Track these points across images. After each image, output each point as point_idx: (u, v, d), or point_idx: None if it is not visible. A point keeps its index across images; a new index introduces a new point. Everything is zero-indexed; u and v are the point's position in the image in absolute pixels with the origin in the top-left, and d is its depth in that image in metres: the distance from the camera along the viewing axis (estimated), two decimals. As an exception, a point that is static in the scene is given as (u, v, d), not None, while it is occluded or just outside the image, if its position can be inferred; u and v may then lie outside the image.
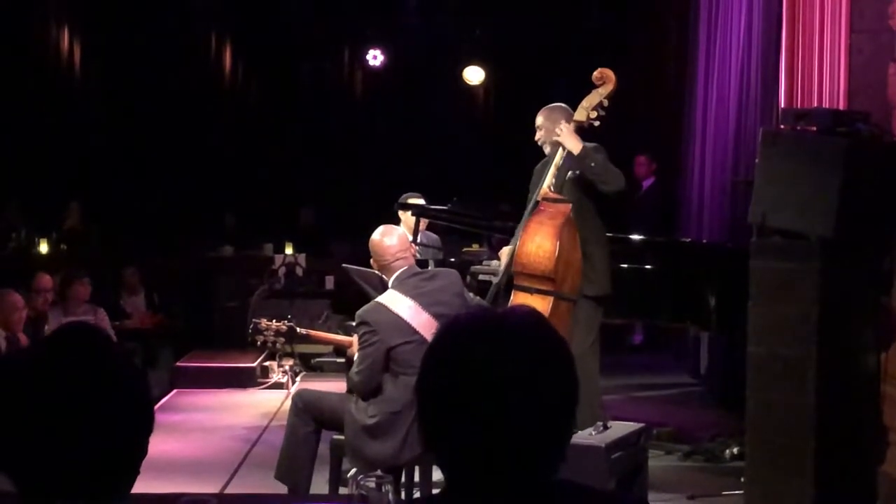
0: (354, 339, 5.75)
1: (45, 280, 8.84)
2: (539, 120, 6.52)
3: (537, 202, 6.23)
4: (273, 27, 15.04)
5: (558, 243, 6.02)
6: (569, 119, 6.39)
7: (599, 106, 6.35)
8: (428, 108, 14.98)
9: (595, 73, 6.42)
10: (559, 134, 6.27)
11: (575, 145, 6.22)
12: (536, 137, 6.52)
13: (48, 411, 1.76)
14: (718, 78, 9.62)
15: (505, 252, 6.46)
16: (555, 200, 6.18)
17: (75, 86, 14.07)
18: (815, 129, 5.75)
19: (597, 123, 6.37)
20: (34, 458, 1.77)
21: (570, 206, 6.16)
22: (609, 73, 6.40)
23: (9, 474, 1.79)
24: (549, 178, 6.29)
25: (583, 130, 6.41)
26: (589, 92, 6.38)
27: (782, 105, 6.94)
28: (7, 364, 1.87)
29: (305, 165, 15.02)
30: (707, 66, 9.99)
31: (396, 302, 5.36)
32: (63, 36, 13.88)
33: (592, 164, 6.21)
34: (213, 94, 15.02)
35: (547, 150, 6.47)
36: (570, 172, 6.30)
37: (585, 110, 6.33)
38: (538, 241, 6.06)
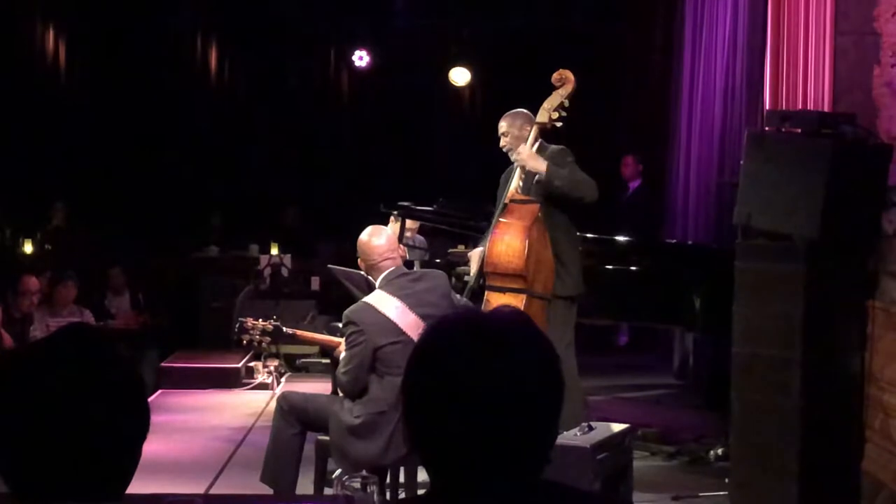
0: (342, 340, 5.76)
1: (32, 282, 8.81)
2: (502, 127, 6.49)
3: (506, 204, 6.25)
4: (259, 27, 15.01)
5: (527, 241, 6.05)
6: (532, 124, 6.40)
7: (560, 107, 6.35)
8: (414, 108, 14.96)
9: (554, 75, 6.44)
10: (519, 156, 6.26)
11: (538, 167, 6.21)
12: (501, 144, 6.50)
13: (44, 412, 1.75)
14: (704, 79, 9.64)
15: (475, 256, 6.48)
16: (523, 202, 6.21)
17: (60, 84, 14.00)
18: (800, 130, 5.77)
19: (559, 124, 6.37)
20: (27, 459, 1.76)
21: (539, 206, 6.19)
22: (568, 74, 6.41)
23: (2, 474, 1.78)
24: (517, 181, 6.31)
25: (546, 132, 6.42)
26: (551, 94, 6.40)
27: (767, 107, 6.96)
28: (4, 363, 1.85)
29: (291, 166, 15.00)
30: (693, 67, 10.01)
31: (384, 302, 5.37)
32: (48, 34, 13.82)
33: (559, 184, 6.19)
34: (199, 93, 14.98)
35: (513, 156, 6.46)
36: (536, 176, 6.31)
37: (547, 112, 6.34)
38: (507, 241, 6.09)
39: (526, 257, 6.04)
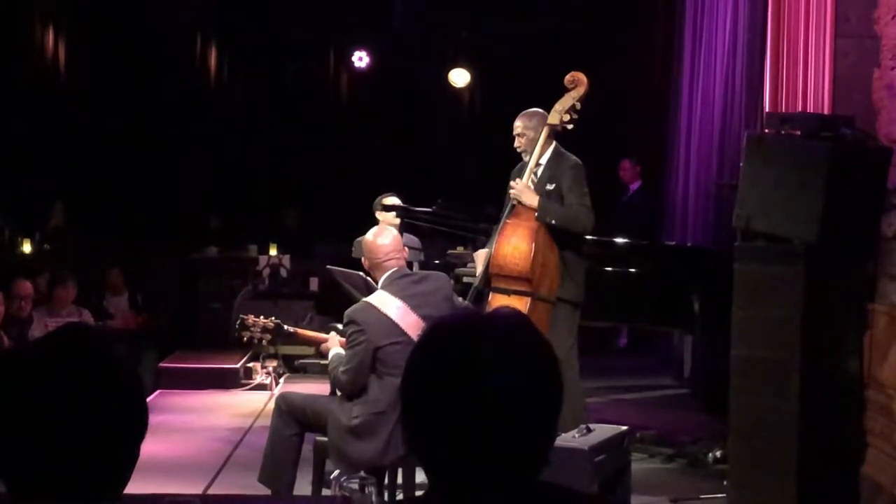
0: (331, 336, 5.76)
1: (25, 286, 8.79)
2: (518, 127, 6.45)
3: (514, 205, 6.24)
4: (258, 28, 15.01)
5: (534, 244, 6.04)
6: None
7: (572, 109, 6.34)
8: (413, 110, 14.96)
9: (567, 77, 6.42)
10: (514, 191, 6.23)
11: (531, 202, 6.19)
12: (516, 145, 6.47)
13: (41, 411, 1.75)
14: (703, 81, 9.63)
15: (480, 256, 6.46)
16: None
17: (60, 84, 14.00)
18: (799, 133, 5.77)
19: (570, 126, 6.36)
20: (25, 459, 1.75)
21: None
22: (581, 77, 6.39)
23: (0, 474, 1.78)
24: (526, 181, 6.29)
25: (557, 133, 6.40)
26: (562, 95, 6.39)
27: (767, 109, 6.96)
28: (2, 363, 1.85)
29: (290, 166, 14.99)
30: (692, 69, 10.01)
31: (385, 302, 5.37)
32: (48, 35, 13.82)
33: (549, 221, 6.16)
34: (198, 94, 14.98)
35: (526, 157, 6.44)
36: (547, 185, 6.29)
37: (558, 114, 6.32)
38: (514, 243, 6.09)
39: (532, 260, 6.04)
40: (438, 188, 10.49)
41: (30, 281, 9.11)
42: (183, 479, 6.79)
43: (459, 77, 14.95)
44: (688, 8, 10.21)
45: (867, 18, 6.13)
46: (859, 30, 6.20)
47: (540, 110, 6.45)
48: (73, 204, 13.05)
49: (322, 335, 6.25)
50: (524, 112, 6.48)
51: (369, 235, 5.58)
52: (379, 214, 7.58)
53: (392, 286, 5.43)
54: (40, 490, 1.76)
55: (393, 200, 7.81)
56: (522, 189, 6.23)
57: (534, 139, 6.35)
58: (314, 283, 11.29)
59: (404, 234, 7.88)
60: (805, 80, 6.56)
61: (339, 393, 5.59)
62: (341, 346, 5.64)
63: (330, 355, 5.65)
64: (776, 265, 5.66)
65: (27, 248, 12.10)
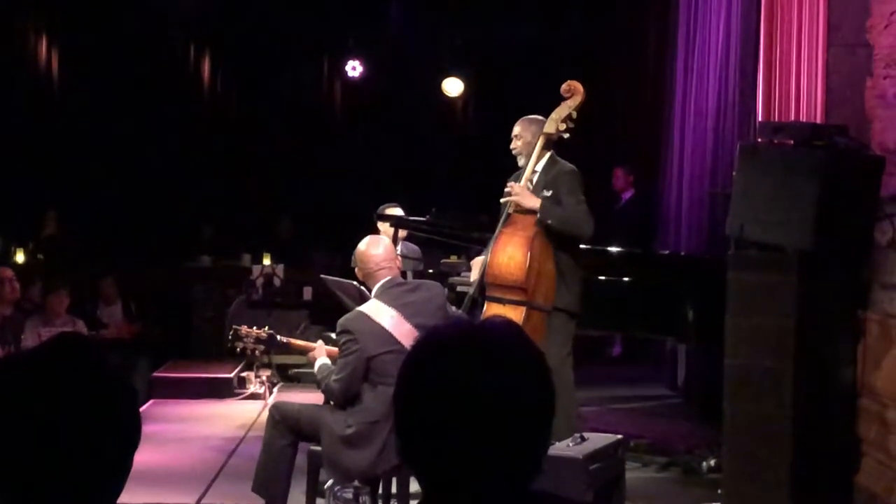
0: (318, 345, 5.77)
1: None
2: (516, 130, 6.46)
3: (509, 214, 6.23)
4: (252, 37, 15.01)
5: (529, 254, 6.03)
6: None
7: (569, 118, 6.33)
8: (407, 119, 14.97)
9: (563, 86, 6.41)
10: (512, 194, 6.23)
11: (532, 204, 6.17)
12: (512, 146, 6.47)
13: (34, 421, 1.74)
14: (697, 90, 9.65)
15: (477, 263, 6.45)
16: (526, 212, 6.18)
17: (53, 93, 13.99)
18: (792, 142, 5.78)
19: (566, 136, 6.35)
20: (17, 468, 1.75)
21: None
22: (577, 86, 6.38)
23: None
24: (524, 185, 6.29)
25: (553, 142, 6.40)
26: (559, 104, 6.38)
27: (760, 118, 6.97)
28: None
29: (284, 176, 14.99)
30: (685, 78, 10.03)
31: (379, 311, 5.38)
32: (41, 43, 13.82)
33: (551, 223, 6.15)
34: (191, 103, 14.98)
35: (521, 161, 6.44)
36: (544, 192, 6.28)
37: (555, 122, 6.31)
38: (509, 252, 6.07)
39: (527, 269, 6.02)
40: (432, 197, 10.49)
41: (23, 290, 9.13)
42: (176, 489, 6.78)
43: (453, 86, 14.96)
44: (681, 17, 10.24)
45: (859, 28, 6.14)
46: (852, 39, 6.21)
47: (540, 117, 6.43)
48: (67, 213, 13.03)
49: (314, 345, 6.26)
50: (525, 117, 6.49)
51: (362, 245, 5.59)
52: (380, 225, 7.60)
53: (385, 295, 5.44)
54: (33, 500, 1.75)
55: (394, 210, 7.81)
56: (522, 191, 6.21)
57: (530, 143, 6.33)
58: (308, 293, 11.28)
59: (405, 243, 7.90)
60: (798, 89, 6.57)
61: (332, 402, 5.59)
62: (328, 354, 5.65)
63: (316, 365, 5.64)
64: (770, 273, 5.67)
65: (20, 257, 12.08)
